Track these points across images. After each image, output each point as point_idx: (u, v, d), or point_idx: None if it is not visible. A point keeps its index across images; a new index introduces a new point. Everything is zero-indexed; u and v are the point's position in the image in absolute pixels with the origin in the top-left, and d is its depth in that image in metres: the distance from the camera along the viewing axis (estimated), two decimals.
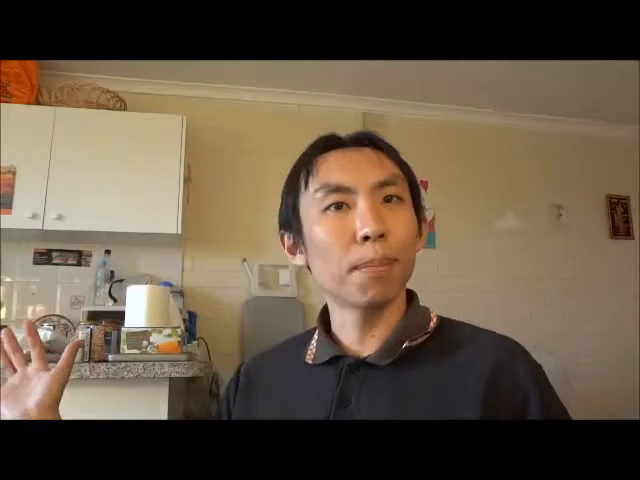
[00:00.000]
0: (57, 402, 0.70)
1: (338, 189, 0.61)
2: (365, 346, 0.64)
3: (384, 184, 0.62)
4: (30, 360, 0.72)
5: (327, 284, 0.63)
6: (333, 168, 0.63)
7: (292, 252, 0.70)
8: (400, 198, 0.63)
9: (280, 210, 0.70)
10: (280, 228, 0.71)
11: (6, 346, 0.72)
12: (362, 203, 0.60)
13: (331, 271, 0.61)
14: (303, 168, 0.66)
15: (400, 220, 0.61)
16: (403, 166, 0.67)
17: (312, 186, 0.63)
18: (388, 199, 0.62)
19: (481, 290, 2.81)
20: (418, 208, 0.67)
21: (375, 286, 0.59)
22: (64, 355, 0.71)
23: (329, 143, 0.67)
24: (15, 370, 0.72)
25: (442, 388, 0.59)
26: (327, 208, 0.62)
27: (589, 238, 3.04)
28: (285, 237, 0.71)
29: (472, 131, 3.01)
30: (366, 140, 0.67)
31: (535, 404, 0.57)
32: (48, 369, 0.71)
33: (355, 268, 0.59)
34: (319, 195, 0.62)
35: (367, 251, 0.58)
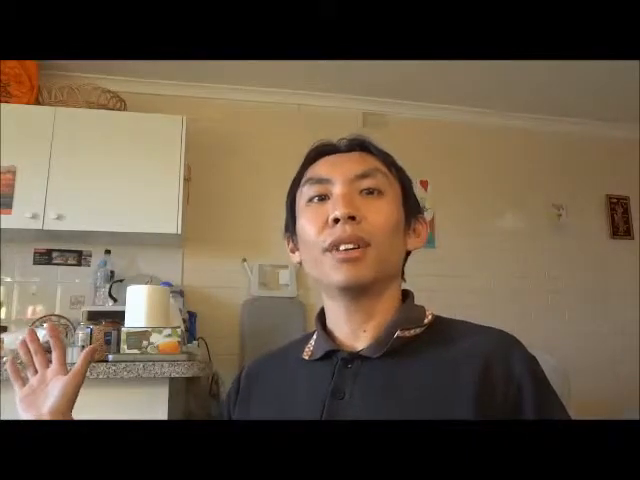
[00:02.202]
0: (70, 407, 0.71)
1: (318, 181, 0.67)
2: (358, 340, 0.66)
3: (362, 176, 0.66)
4: (52, 361, 0.73)
5: (310, 270, 0.68)
6: (319, 166, 0.70)
7: (293, 251, 0.74)
8: (380, 191, 0.66)
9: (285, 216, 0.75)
10: (285, 232, 0.76)
11: (30, 345, 0.73)
12: (337, 191, 0.65)
13: (311, 255, 0.66)
14: (299, 172, 0.72)
15: (376, 209, 0.65)
16: (392, 167, 0.71)
17: (302, 183, 0.70)
18: (369, 192, 0.66)
19: (481, 290, 2.81)
20: (409, 208, 0.70)
21: (346, 268, 0.62)
22: (79, 361, 0.72)
23: (323, 150, 0.72)
24: (36, 371, 0.73)
25: (435, 380, 0.59)
26: (310, 200, 0.68)
27: (589, 238, 3.04)
28: (287, 238, 0.75)
29: (472, 131, 3.01)
30: (357, 146, 0.71)
31: (529, 395, 0.57)
32: (67, 372, 0.72)
33: (328, 250, 0.63)
34: (304, 189, 0.69)
35: (337, 232, 0.62)
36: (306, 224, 0.67)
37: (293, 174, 0.74)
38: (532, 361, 0.61)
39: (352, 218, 0.62)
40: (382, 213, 0.65)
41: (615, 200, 3.12)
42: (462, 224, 2.85)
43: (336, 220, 0.63)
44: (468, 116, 3.01)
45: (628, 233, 3.10)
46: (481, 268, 2.86)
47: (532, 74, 2.62)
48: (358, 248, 0.62)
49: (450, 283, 2.74)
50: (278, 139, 2.75)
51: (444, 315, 0.69)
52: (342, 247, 0.62)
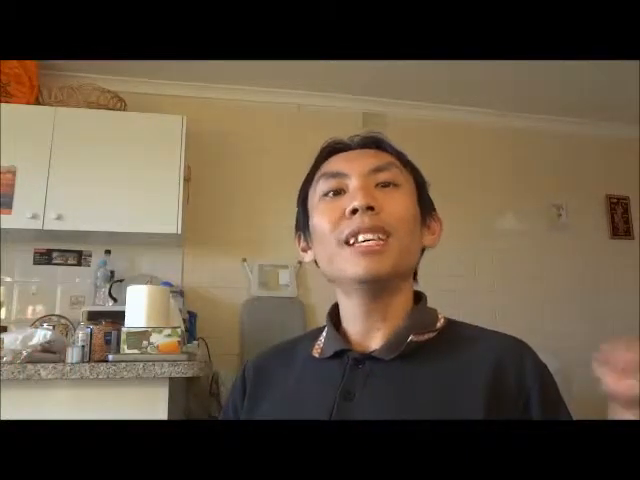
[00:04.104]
0: None
1: (334, 175, 0.66)
2: (371, 340, 0.65)
3: (377, 170, 0.66)
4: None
5: (325, 268, 0.66)
6: (333, 162, 0.69)
7: (304, 250, 0.73)
8: (396, 184, 0.66)
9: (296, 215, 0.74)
10: (296, 231, 0.74)
11: None
12: (353, 184, 0.65)
13: (326, 251, 0.65)
14: (312, 170, 0.71)
15: (394, 200, 0.64)
16: (407, 163, 0.70)
17: (316, 180, 0.69)
18: (385, 184, 0.65)
19: (481, 290, 2.81)
20: (424, 204, 0.70)
21: (366, 260, 0.61)
22: None
23: (336, 147, 0.71)
24: None
25: (446, 385, 0.59)
26: (325, 194, 0.67)
27: (589, 238, 3.04)
28: (299, 237, 0.74)
29: (472, 131, 3.01)
30: (371, 143, 0.71)
31: (537, 404, 0.57)
32: None
33: (345, 243, 0.62)
34: (319, 184, 0.68)
35: (355, 222, 0.61)
36: (321, 218, 0.65)
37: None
38: (543, 372, 0.61)
39: (371, 209, 0.61)
40: (400, 204, 0.64)
41: (615, 200, 3.12)
42: (462, 224, 2.85)
43: (354, 211, 0.62)
44: (468, 116, 3.01)
45: (628, 233, 3.10)
46: (481, 268, 2.86)
47: (532, 74, 2.62)
48: (378, 240, 0.61)
49: (450, 283, 2.74)
50: (278, 139, 2.75)
51: (445, 315, 0.69)
52: (361, 237, 0.61)
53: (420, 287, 0.73)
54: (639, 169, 3.02)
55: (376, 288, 0.63)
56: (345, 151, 0.70)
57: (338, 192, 0.66)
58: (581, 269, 2.97)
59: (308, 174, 0.72)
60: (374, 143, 0.70)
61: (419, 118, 2.94)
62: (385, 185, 0.65)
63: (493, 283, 2.85)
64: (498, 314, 2.76)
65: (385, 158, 0.68)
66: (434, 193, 0.73)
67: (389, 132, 0.72)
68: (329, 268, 0.65)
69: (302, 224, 0.72)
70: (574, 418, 0.61)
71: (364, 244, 0.61)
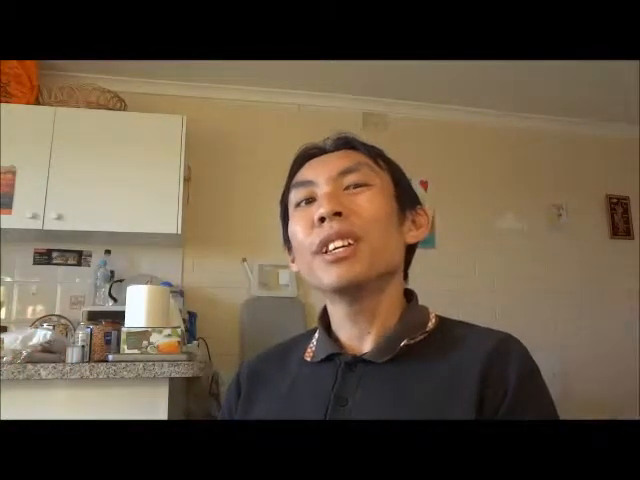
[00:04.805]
0: None
1: (303, 184, 0.67)
2: (362, 344, 0.65)
3: (345, 172, 0.65)
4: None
5: (306, 277, 0.66)
6: (304, 169, 0.69)
7: (293, 261, 0.73)
8: (367, 184, 0.65)
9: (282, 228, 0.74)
10: (284, 243, 0.74)
11: None
12: (320, 191, 0.64)
13: (304, 260, 0.65)
14: (288, 180, 0.71)
15: (364, 201, 0.63)
16: (380, 159, 0.69)
17: (290, 190, 0.69)
18: (355, 186, 0.65)
19: (481, 290, 2.81)
20: (403, 199, 0.69)
21: (336, 268, 0.60)
22: None
23: (309, 153, 0.70)
24: None
25: (438, 387, 0.58)
26: (298, 204, 0.67)
27: (589, 238, 3.04)
28: (286, 249, 0.74)
29: (472, 131, 3.01)
30: (342, 144, 0.70)
31: (512, 393, 0.56)
32: None
33: (317, 253, 0.62)
34: (292, 195, 0.68)
35: (324, 230, 0.61)
36: (295, 228, 0.65)
37: None
38: (526, 363, 0.59)
39: (338, 214, 0.61)
40: (370, 204, 0.63)
41: (615, 200, 3.12)
42: (462, 224, 2.85)
43: (322, 219, 0.61)
44: (468, 116, 3.01)
45: (628, 233, 3.10)
46: (481, 268, 2.86)
47: (532, 74, 2.62)
48: (348, 246, 0.60)
49: (450, 283, 2.74)
50: (278, 139, 2.74)
51: (443, 315, 0.69)
52: (331, 246, 0.60)
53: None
54: (639, 169, 3.02)
55: (355, 293, 0.63)
56: (318, 156, 0.69)
57: (309, 200, 0.65)
58: (581, 269, 2.97)
59: (285, 185, 0.71)
60: (345, 144, 0.70)
61: (419, 118, 2.94)
62: (355, 186, 0.64)
63: (493, 283, 2.85)
64: (498, 314, 2.76)
65: (355, 158, 0.67)
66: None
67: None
68: (309, 277, 0.65)
69: (284, 235, 0.72)
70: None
71: (334, 252, 0.60)
